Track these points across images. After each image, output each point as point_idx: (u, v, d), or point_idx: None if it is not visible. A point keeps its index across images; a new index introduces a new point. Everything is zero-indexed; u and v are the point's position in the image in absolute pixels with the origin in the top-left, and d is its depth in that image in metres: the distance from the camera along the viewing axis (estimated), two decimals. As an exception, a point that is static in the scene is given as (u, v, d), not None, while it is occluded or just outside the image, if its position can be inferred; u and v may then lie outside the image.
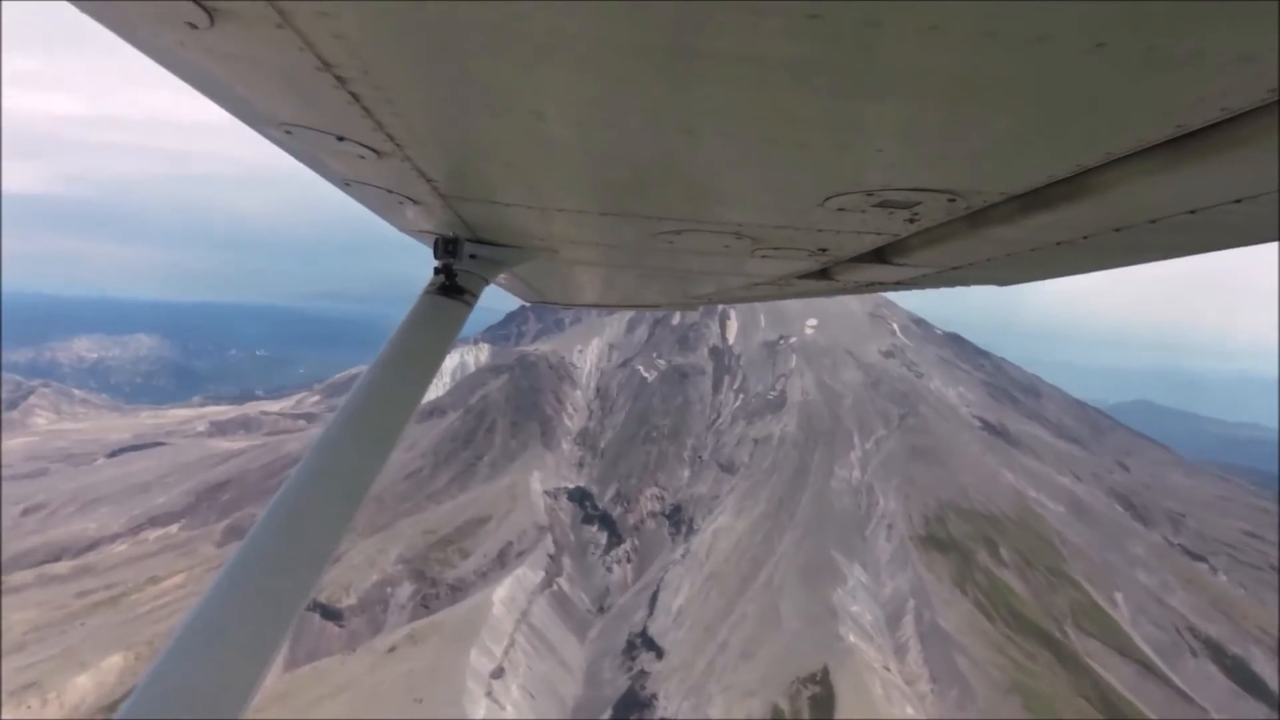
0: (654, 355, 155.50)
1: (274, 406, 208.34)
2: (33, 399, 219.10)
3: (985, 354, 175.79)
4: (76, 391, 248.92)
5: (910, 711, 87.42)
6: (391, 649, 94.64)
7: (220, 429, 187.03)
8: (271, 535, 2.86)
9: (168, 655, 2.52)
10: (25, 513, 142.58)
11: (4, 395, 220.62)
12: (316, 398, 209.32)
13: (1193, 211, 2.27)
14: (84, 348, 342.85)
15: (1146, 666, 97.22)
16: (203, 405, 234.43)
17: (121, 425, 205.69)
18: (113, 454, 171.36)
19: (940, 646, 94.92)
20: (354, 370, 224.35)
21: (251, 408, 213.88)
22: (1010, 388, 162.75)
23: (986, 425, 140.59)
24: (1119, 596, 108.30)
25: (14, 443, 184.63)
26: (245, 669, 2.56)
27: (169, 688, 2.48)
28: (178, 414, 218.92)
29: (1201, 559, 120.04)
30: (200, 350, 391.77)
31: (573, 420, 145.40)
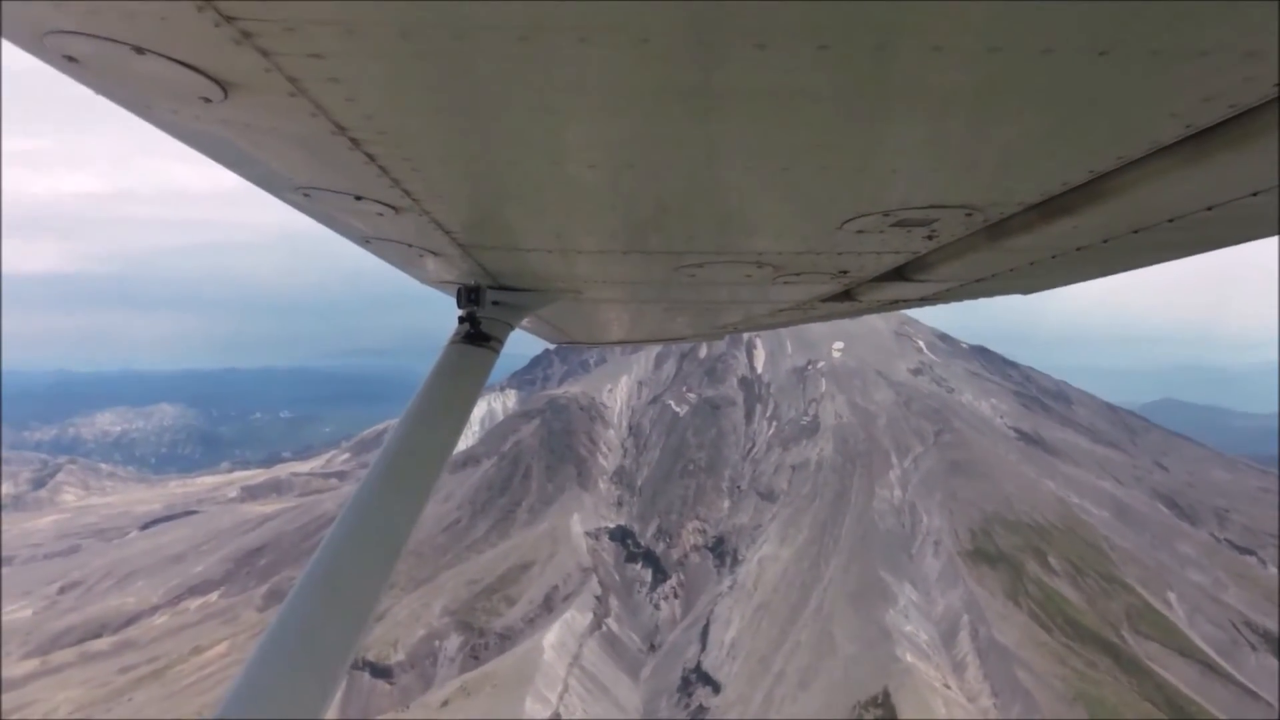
0: (683, 389, 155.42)
1: (304, 467, 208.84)
2: (60, 476, 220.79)
3: (1013, 364, 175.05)
4: (103, 466, 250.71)
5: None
6: (445, 703, 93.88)
7: (251, 494, 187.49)
8: (313, 594, 2.85)
9: None
10: (62, 591, 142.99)
11: (30, 474, 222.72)
12: (345, 455, 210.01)
13: (1210, 208, 2.27)
14: (108, 421, 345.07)
15: (1209, 665, 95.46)
16: (231, 471, 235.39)
17: (150, 496, 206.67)
18: (145, 526, 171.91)
19: (999, 661, 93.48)
20: (382, 425, 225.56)
21: (280, 470, 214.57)
22: (1041, 396, 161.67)
23: (1022, 435, 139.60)
24: (1172, 597, 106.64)
25: (44, 521, 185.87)
26: None
27: None
28: (206, 481, 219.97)
29: (1250, 552, 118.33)
30: (224, 416, 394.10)
31: (607, 460, 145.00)
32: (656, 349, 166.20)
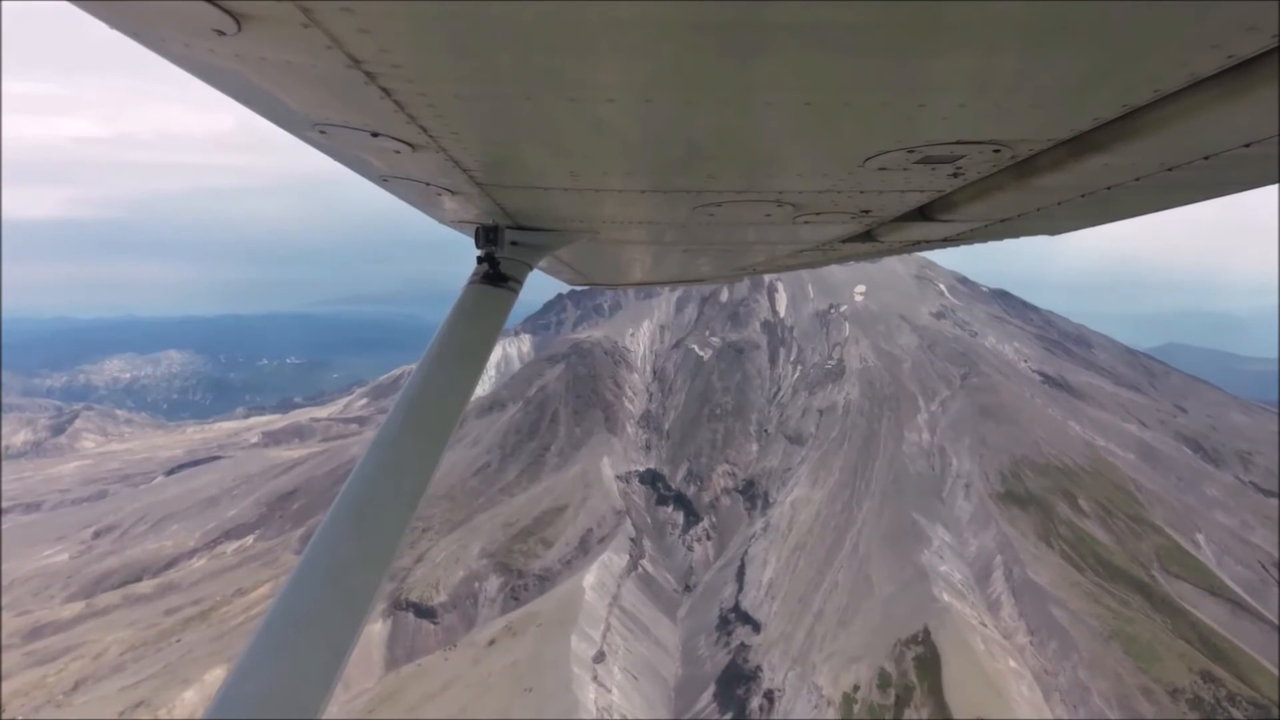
0: (706, 333, 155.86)
1: (321, 413, 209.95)
2: (78, 422, 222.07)
3: (1033, 308, 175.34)
4: (119, 412, 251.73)
5: (1013, 665, 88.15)
6: (491, 642, 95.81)
7: (274, 439, 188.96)
8: (340, 533, 2.90)
9: (247, 657, 2.55)
10: (97, 535, 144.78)
11: (47, 421, 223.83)
12: (364, 401, 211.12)
13: (1249, 144, 2.20)
14: (117, 368, 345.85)
15: (1239, 605, 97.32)
16: (247, 417, 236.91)
17: (170, 442, 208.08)
18: (171, 471, 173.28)
19: (1034, 600, 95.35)
20: (398, 371, 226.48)
21: (298, 416, 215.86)
22: (1062, 340, 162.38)
23: (1047, 379, 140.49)
24: (1200, 538, 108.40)
25: (69, 467, 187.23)
26: (324, 665, 2.61)
27: (251, 690, 2.50)
28: (224, 427, 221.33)
29: (1274, 495, 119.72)
30: (232, 363, 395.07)
31: (633, 404, 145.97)
32: (677, 293, 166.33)
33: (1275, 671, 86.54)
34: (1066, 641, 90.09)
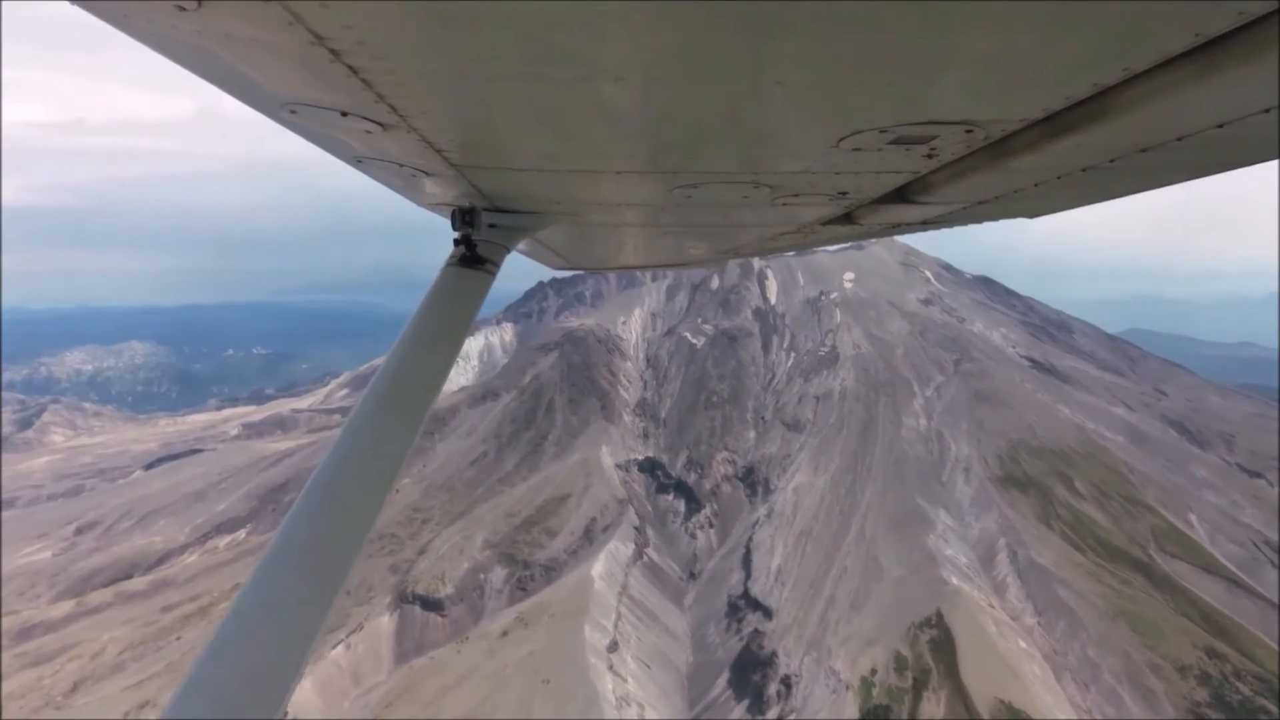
0: (699, 321, 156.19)
1: (302, 404, 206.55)
2: (46, 416, 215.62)
3: (1015, 294, 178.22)
4: (87, 405, 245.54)
5: (1023, 645, 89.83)
6: (504, 633, 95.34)
7: (255, 431, 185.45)
8: (313, 514, 2.90)
9: (218, 638, 2.54)
10: (79, 531, 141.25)
11: (13, 415, 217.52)
12: (344, 392, 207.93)
13: (1221, 125, 2.21)
14: (78, 360, 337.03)
15: (1234, 582, 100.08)
16: (220, 409, 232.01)
17: (142, 435, 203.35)
18: (150, 465, 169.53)
19: (1040, 581, 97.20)
20: (378, 361, 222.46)
21: (275, 407, 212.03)
22: (1045, 325, 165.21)
23: (1035, 364, 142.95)
24: (1193, 518, 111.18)
25: (39, 462, 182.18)
26: (294, 645, 2.61)
27: (221, 671, 2.49)
28: (198, 419, 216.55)
29: (1258, 475, 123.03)
30: (196, 353, 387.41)
31: (628, 392, 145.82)
32: (667, 281, 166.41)
33: (1276, 647, 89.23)
34: (1074, 621, 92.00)
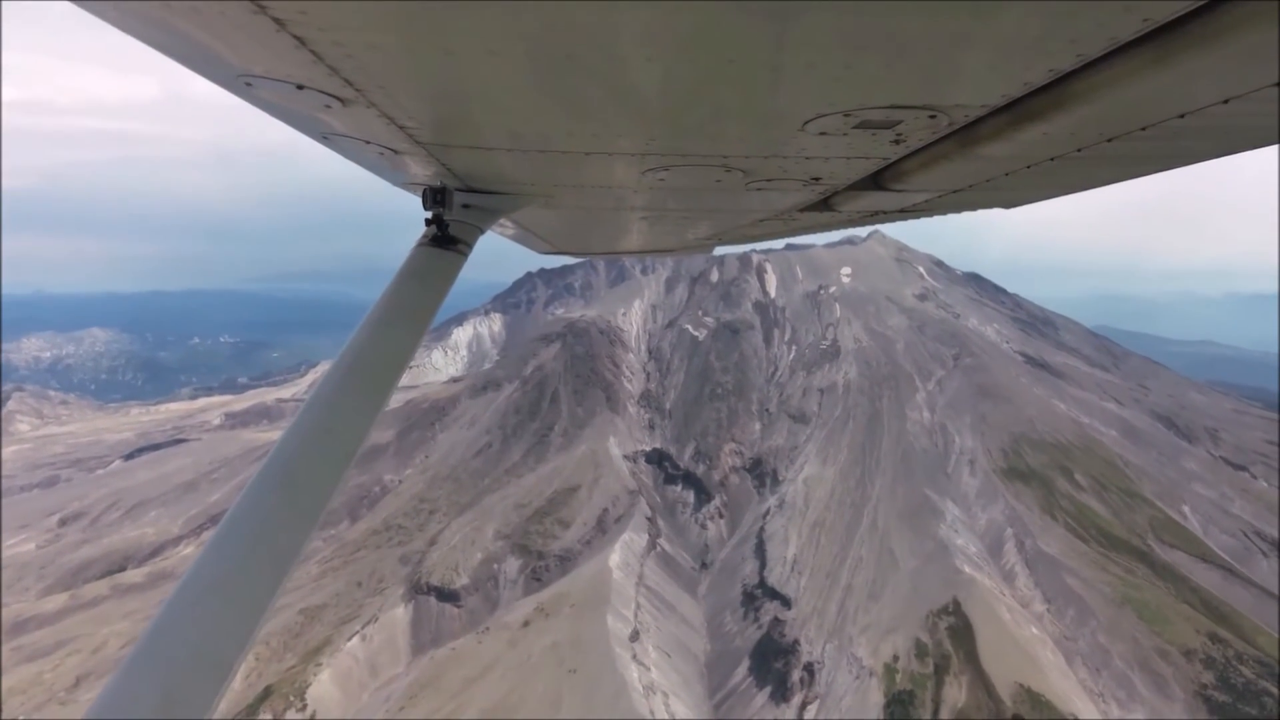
0: (700, 313, 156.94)
1: (285, 393, 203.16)
2: (11, 404, 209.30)
3: (1003, 290, 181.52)
4: (53, 393, 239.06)
5: (1035, 631, 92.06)
6: (525, 623, 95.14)
7: (240, 420, 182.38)
8: (268, 491, 2.86)
9: (165, 613, 2.52)
10: (63, 523, 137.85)
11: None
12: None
13: (1182, 116, 2.26)
14: (36, 347, 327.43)
15: (1230, 571, 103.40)
16: (194, 398, 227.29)
17: (115, 425, 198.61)
18: (130, 455, 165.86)
19: (1047, 570, 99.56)
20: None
21: (256, 396, 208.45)
22: (1033, 321, 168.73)
23: (1028, 359, 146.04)
24: (1186, 509, 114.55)
25: (6, 451, 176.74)
26: (241, 623, 2.59)
27: (165, 647, 2.46)
28: (173, 408, 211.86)
29: (1243, 469, 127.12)
30: (161, 341, 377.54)
31: (632, 383, 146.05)
32: (666, 273, 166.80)
33: (1274, 633, 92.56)
34: (1083, 608, 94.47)
